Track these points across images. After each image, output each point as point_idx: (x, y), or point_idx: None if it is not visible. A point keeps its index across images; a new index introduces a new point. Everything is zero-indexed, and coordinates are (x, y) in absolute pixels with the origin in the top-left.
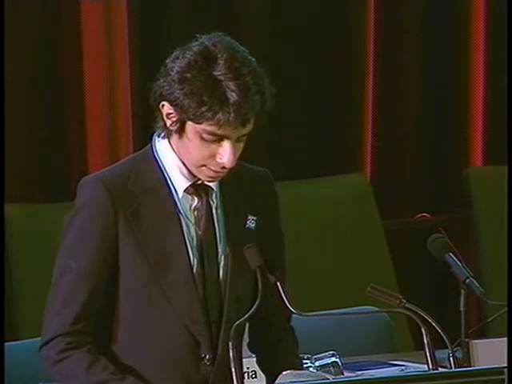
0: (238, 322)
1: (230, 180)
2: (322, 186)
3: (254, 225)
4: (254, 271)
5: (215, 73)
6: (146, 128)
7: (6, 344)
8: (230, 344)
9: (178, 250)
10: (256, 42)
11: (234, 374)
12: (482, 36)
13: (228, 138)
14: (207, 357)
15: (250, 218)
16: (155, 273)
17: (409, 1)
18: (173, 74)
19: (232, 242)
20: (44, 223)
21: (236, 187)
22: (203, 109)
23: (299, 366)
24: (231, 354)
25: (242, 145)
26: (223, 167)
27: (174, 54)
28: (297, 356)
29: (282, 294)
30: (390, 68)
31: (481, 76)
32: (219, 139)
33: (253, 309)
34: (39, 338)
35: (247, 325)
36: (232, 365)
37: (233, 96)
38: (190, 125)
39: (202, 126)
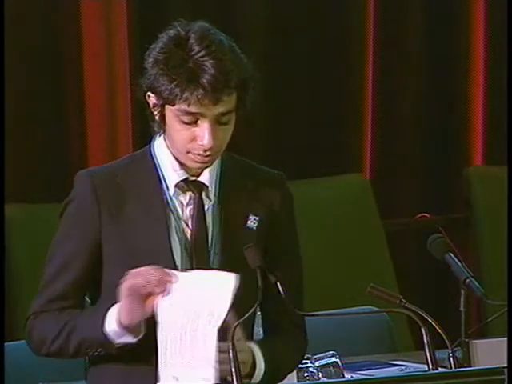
0: (237, 323)
1: (235, 179)
2: (322, 185)
3: (255, 225)
4: (252, 270)
5: (185, 52)
6: (145, 128)
7: (6, 344)
8: (230, 344)
9: (161, 247)
10: (256, 41)
11: (233, 374)
12: (482, 35)
13: (204, 117)
14: None
15: (252, 217)
16: (138, 266)
17: (409, 0)
18: (149, 60)
19: (228, 240)
20: (44, 223)
21: (240, 186)
22: (172, 86)
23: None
24: (231, 355)
25: (227, 127)
26: (205, 149)
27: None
28: (300, 351)
29: (282, 294)
30: (389, 67)
31: (481, 75)
32: (195, 120)
33: (252, 309)
34: None
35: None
36: (232, 365)
37: (203, 72)
38: (167, 109)
39: (176, 107)
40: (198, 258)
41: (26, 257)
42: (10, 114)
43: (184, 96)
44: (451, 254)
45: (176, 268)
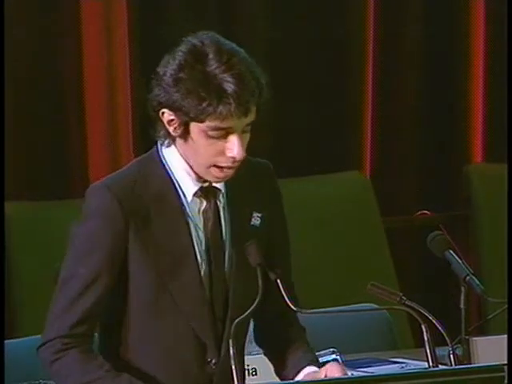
0: (238, 320)
1: (235, 177)
2: (322, 183)
3: (258, 222)
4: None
5: (208, 68)
6: (146, 128)
7: (6, 342)
8: (231, 342)
9: (186, 255)
10: (256, 41)
11: (234, 372)
12: (482, 34)
13: (233, 131)
14: (213, 361)
15: (255, 215)
16: (164, 278)
17: (408, 0)
18: (166, 78)
19: (237, 240)
20: (44, 221)
21: (240, 185)
22: (204, 105)
23: (305, 347)
24: (231, 352)
25: (247, 136)
26: (234, 161)
27: (163, 60)
28: (303, 338)
29: (282, 292)
30: (389, 65)
31: (481, 73)
32: (225, 134)
33: (253, 306)
34: (39, 336)
35: (252, 323)
36: (232, 362)
37: (230, 86)
38: (193, 125)
39: (206, 123)
40: (215, 261)
41: (26, 254)
42: (11, 114)
43: (217, 112)
44: (451, 252)
45: (199, 273)
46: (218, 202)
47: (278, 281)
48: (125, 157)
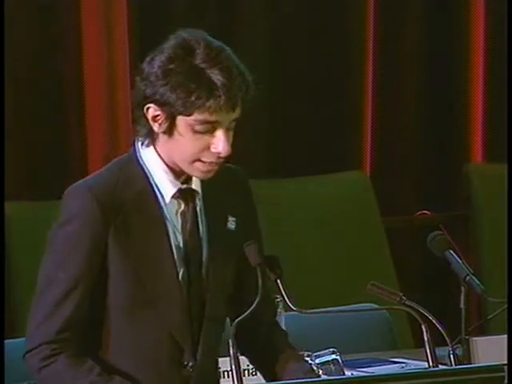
0: (238, 319)
1: (211, 181)
2: (323, 183)
3: (233, 226)
4: (235, 270)
5: (196, 61)
6: None
7: (6, 342)
8: (230, 342)
9: (164, 258)
10: (256, 41)
11: (234, 372)
12: (482, 33)
13: (220, 125)
14: (190, 364)
15: (230, 219)
16: (141, 281)
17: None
18: (154, 70)
19: (214, 243)
20: (44, 221)
21: (216, 189)
22: (192, 98)
23: (297, 355)
24: (231, 352)
25: (232, 134)
26: (218, 157)
27: (149, 57)
28: (290, 345)
29: (282, 292)
30: (389, 65)
31: (481, 73)
32: (211, 129)
33: (252, 306)
34: None
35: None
36: (232, 363)
37: (219, 80)
38: (180, 119)
39: (194, 117)
40: (193, 264)
41: (26, 254)
42: (11, 114)
43: (206, 106)
44: (451, 252)
45: (177, 277)
46: (196, 205)
47: (278, 281)
48: None
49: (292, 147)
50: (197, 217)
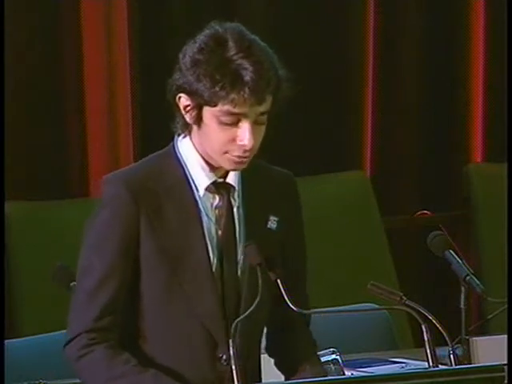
0: (238, 320)
1: (253, 179)
2: (323, 183)
3: (275, 226)
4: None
5: (226, 53)
6: (146, 128)
7: (6, 342)
8: (231, 341)
9: (198, 249)
10: None
11: (234, 372)
12: (482, 33)
13: (246, 118)
14: (224, 357)
15: (272, 218)
16: (175, 272)
17: (408, 0)
18: (185, 60)
19: (253, 240)
20: (44, 221)
21: (258, 187)
22: (217, 88)
23: (318, 369)
24: (231, 352)
25: (262, 128)
26: (245, 151)
27: (186, 45)
28: (315, 354)
29: (282, 292)
30: (389, 65)
31: (480, 73)
32: (237, 121)
33: (252, 307)
34: (39, 336)
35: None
36: (232, 362)
37: (246, 73)
38: (206, 110)
39: (218, 108)
40: (228, 259)
41: (26, 254)
42: (10, 114)
43: (230, 97)
44: (451, 252)
45: (211, 269)
46: (233, 201)
47: (278, 281)
48: (125, 156)
49: (292, 147)
50: (233, 213)
